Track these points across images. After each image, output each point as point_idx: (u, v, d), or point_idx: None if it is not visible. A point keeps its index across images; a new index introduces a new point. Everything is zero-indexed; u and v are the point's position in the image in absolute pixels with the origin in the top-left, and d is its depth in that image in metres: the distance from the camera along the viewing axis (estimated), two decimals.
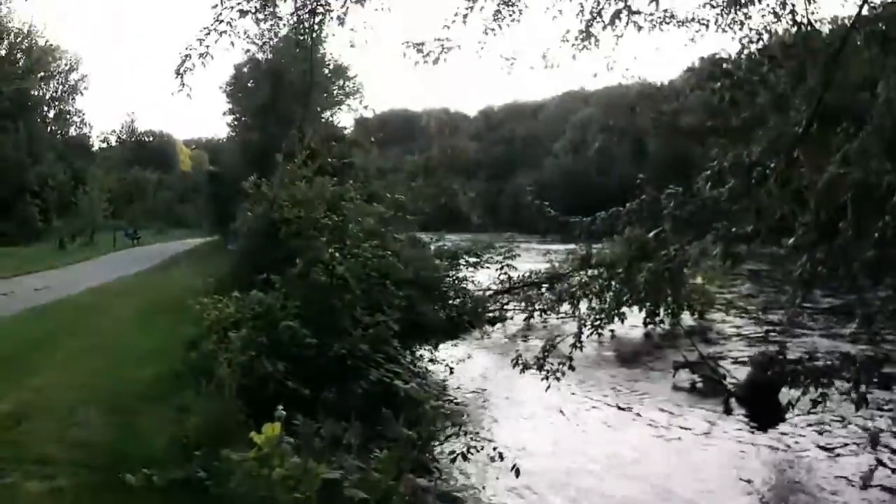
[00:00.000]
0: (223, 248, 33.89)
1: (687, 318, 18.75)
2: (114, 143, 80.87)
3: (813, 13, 8.06)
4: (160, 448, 7.63)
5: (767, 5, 8.22)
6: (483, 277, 20.44)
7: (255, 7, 8.07)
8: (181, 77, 7.94)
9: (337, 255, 11.10)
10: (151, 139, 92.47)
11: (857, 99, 8.76)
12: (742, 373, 13.22)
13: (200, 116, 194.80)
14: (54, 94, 72.54)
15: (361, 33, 9.80)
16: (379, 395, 9.41)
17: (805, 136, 7.66)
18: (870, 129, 7.58)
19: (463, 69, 11.15)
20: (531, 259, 23.13)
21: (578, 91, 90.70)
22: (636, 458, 10.05)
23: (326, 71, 41.56)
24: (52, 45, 68.55)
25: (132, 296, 20.63)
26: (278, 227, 13.19)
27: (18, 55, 63.15)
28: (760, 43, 8.62)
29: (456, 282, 18.81)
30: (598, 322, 9.18)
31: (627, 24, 7.94)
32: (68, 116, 75.07)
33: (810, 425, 10.76)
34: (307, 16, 8.70)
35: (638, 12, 7.79)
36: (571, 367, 9.27)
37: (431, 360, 14.47)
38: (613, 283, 9.72)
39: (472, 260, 20.35)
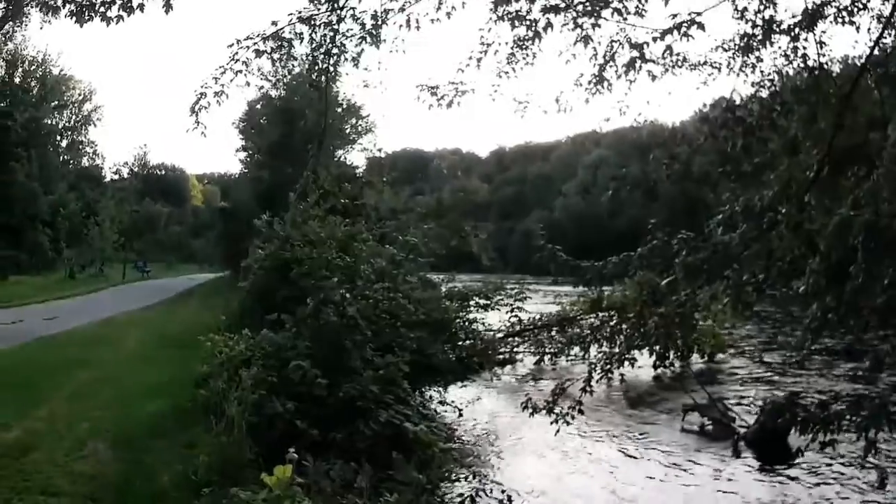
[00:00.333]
0: (233, 284, 33.97)
1: (696, 360, 18.60)
2: (126, 175, 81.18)
3: (824, 55, 8.12)
4: (167, 484, 7.61)
5: (779, 48, 8.29)
6: (493, 319, 20.40)
7: (272, 48, 8.15)
8: (196, 115, 7.97)
9: (348, 295, 11.13)
10: (164, 172, 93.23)
11: (868, 140, 8.77)
12: (750, 415, 13.14)
13: (213, 151, 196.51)
14: (67, 124, 73.30)
15: (375, 73, 9.91)
16: (388, 436, 9.37)
17: (816, 180, 7.68)
18: (881, 171, 7.58)
19: (476, 110, 11.26)
20: (542, 301, 23.07)
21: (590, 132, 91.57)
22: (645, 501, 9.95)
23: (339, 109, 41.94)
24: (66, 74, 69.57)
25: (141, 328, 20.70)
26: (290, 266, 13.26)
27: (32, 83, 63.31)
28: (773, 87, 8.67)
29: (466, 323, 18.83)
30: (608, 366, 9.12)
31: (640, 70, 8.01)
32: (81, 147, 75.75)
33: (819, 468, 10.62)
34: (322, 56, 8.76)
35: (652, 60, 7.85)
36: (580, 412, 9.20)
37: (441, 402, 14.40)
38: (624, 326, 9.67)
39: (483, 302, 20.36)
